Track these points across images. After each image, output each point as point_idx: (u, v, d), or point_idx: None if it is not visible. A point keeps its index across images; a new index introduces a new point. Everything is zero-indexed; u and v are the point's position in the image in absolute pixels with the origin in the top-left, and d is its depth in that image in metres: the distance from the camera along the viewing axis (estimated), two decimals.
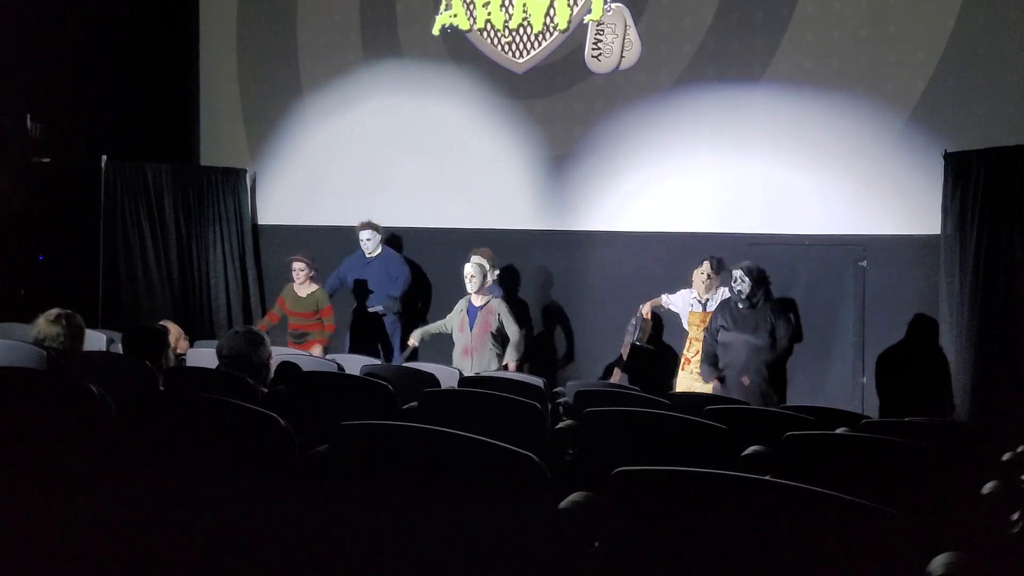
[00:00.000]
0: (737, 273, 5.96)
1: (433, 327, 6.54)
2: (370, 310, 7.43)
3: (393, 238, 7.98)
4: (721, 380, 5.96)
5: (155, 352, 4.13)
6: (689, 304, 6.43)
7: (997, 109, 6.08)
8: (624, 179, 7.36)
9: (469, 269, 6.26)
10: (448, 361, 6.22)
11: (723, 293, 6.29)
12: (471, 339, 6.22)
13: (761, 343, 5.84)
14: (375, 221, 7.55)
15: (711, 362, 6.03)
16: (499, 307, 6.24)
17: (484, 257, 6.48)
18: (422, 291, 7.97)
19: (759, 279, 5.92)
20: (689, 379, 6.37)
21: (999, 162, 5.74)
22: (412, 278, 7.57)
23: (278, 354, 4.34)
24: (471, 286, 6.25)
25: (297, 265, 7.11)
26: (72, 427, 2.53)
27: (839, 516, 1.70)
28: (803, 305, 6.67)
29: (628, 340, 6.51)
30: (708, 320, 6.18)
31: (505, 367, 6.13)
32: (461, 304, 6.38)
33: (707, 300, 6.35)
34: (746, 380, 5.84)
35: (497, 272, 6.88)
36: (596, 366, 7.28)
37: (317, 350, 6.85)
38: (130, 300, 8.14)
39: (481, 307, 6.26)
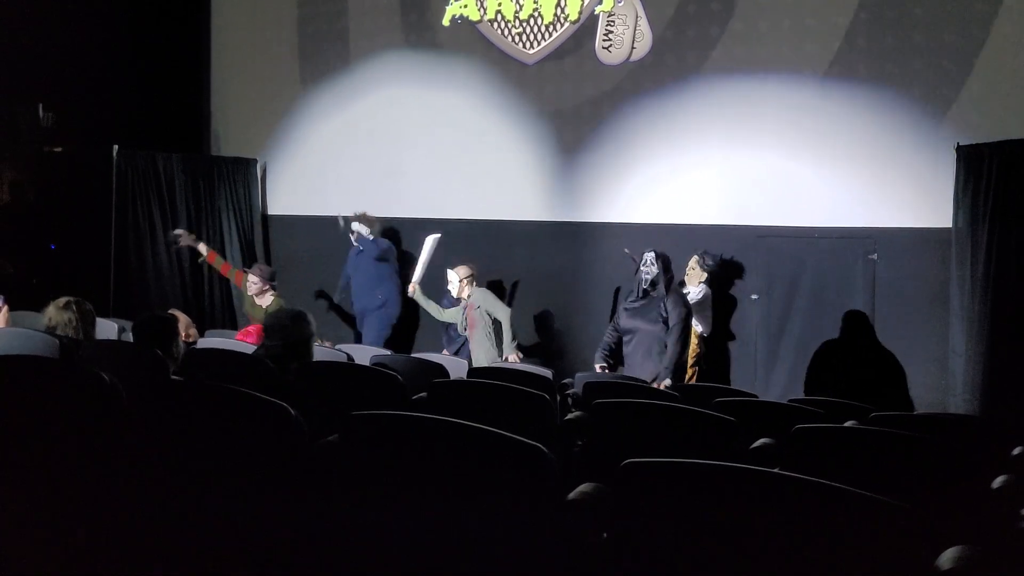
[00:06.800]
0: (648, 256, 5.97)
1: (431, 304, 7.07)
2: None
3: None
4: (605, 368, 6.09)
5: (165, 341, 4.14)
6: None
7: (1010, 102, 6.05)
8: (633, 171, 7.34)
9: (450, 276, 6.75)
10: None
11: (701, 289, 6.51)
12: (470, 337, 6.67)
13: (657, 330, 5.88)
14: (369, 214, 7.54)
15: (605, 349, 6.17)
16: (479, 299, 6.57)
17: (459, 272, 6.73)
18: (428, 284, 7.95)
19: (665, 267, 5.97)
20: None
21: (1012, 155, 5.72)
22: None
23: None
24: (454, 291, 6.74)
25: (251, 278, 6.62)
26: (83, 415, 2.55)
27: (848, 509, 1.70)
28: (812, 298, 6.66)
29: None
30: None
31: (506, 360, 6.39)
32: (462, 305, 6.80)
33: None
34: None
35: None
36: None
37: None
38: (141, 289, 8.17)
39: (467, 307, 6.66)
